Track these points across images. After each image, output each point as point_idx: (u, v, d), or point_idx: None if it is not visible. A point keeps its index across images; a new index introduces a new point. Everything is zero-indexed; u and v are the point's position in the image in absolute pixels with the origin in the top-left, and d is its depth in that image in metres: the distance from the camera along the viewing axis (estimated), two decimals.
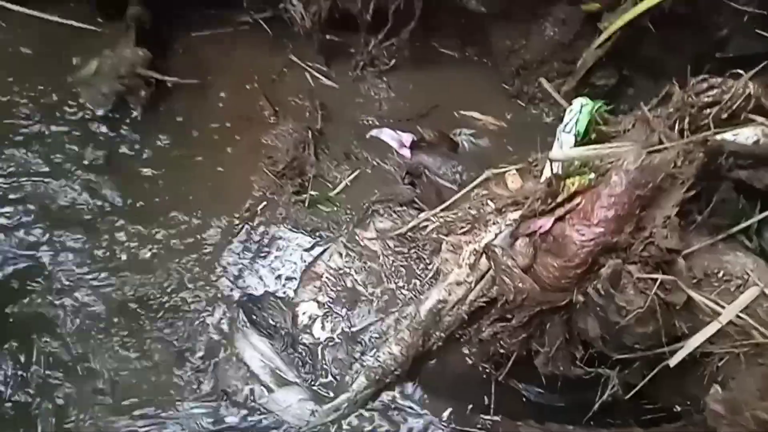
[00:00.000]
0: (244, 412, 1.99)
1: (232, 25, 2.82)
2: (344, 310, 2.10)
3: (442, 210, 2.12)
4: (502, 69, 2.65)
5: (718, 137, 1.57)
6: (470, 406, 1.99)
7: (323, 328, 2.08)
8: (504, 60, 2.62)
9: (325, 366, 2.03)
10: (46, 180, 2.35)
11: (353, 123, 2.60)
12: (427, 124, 2.57)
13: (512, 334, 1.79)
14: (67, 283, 2.18)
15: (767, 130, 1.57)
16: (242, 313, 2.11)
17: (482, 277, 1.88)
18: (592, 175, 1.72)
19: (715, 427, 1.54)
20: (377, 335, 2.04)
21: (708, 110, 1.64)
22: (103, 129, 2.48)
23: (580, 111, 1.87)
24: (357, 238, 2.22)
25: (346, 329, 2.07)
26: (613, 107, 2.32)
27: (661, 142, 1.66)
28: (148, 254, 2.26)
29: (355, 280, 2.14)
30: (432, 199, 2.29)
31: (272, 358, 2.04)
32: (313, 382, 2.01)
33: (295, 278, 2.22)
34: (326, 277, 2.16)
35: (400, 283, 2.10)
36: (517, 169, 2.07)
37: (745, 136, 1.58)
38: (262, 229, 2.32)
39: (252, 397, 2.01)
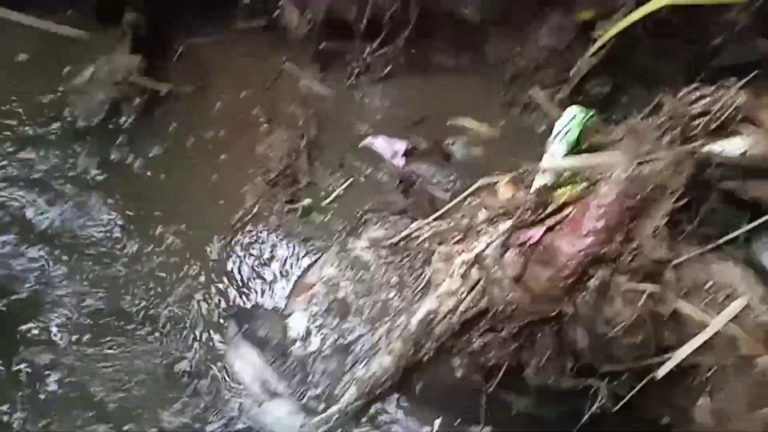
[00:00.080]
0: (234, 424, 1.99)
1: (228, 32, 2.81)
2: (335, 320, 2.09)
3: (434, 219, 2.12)
4: (496, 77, 2.64)
5: (706, 148, 1.58)
6: (460, 418, 1.99)
7: (314, 339, 2.07)
8: (498, 68, 2.62)
9: (315, 378, 2.02)
10: (37, 188, 2.35)
11: (347, 131, 2.59)
12: (421, 132, 2.56)
13: (502, 344, 1.79)
14: (55, 295, 2.18)
15: (756, 141, 1.57)
16: (233, 324, 2.11)
17: (473, 287, 1.87)
18: (583, 185, 1.73)
19: None
20: (368, 346, 2.03)
21: (698, 120, 1.65)
22: (96, 136, 2.48)
23: (571, 120, 1.87)
24: (349, 247, 2.22)
25: (337, 340, 2.06)
26: (605, 116, 2.34)
27: (651, 152, 1.66)
28: (138, 264, 2.26)
29: (347, 290, 2.13)
30: (425, 208, 2.28)
31: (262, 369, 2.03)
32: (303, 395, 2.00)
33: (287, 288, 2.22)
34: (318, 288, 2.15)
35: (392, 293, 2.08)
36: (509, 179, 2.07)
37: (733, 147, 1.58)
38: (254, 238, 2.32)
39: (242, 410, 2.00)
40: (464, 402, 1.94)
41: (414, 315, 1.93)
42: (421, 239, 2.11)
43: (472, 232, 1.98)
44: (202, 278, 2.24)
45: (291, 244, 2.30)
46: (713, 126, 1.62)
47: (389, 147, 2.50)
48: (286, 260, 2.28)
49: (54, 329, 2.13)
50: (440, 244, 2.03)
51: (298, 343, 2.08)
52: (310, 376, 2.03)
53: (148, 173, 2.45)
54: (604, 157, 1.74)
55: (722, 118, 1.61)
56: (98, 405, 2.03)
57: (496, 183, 2.08)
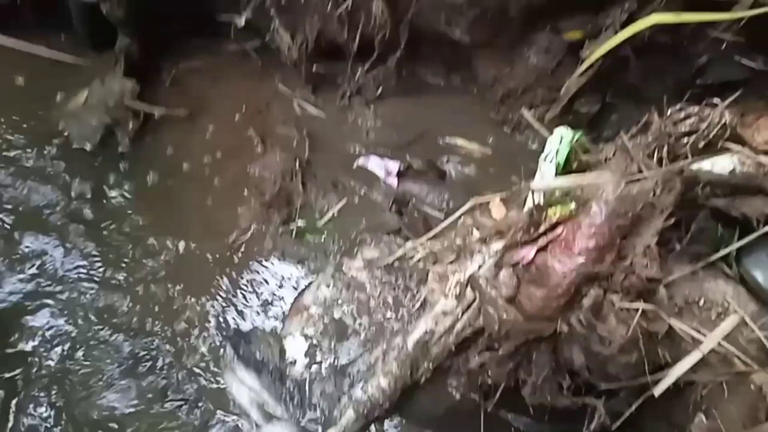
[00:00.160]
0: None
1: (221, 55, 2.84)
2: (332, 342, 2.09)
3: (428, 239, 2.13)
4: (487, 97, 2.67)
5: (694, 167, 1.60)
6: None
7: (311, 361, 2.07)
8: (489, 88, 2.64)
9: (313, 400, 2.02)
10: (31, 213, 2.36)
11: (340, 152, 2.61)
12: (414, 152, 2.58)
13: (499, 364, 1.80)
14: (46, 320, 2.19)
15: (743, 159, 1.59)
16: (229, 347, 2.10)
17: (468, 307, 1.88)
18: (574, 205, 1.74)
19: None
20: (365, 367, 2.03)
21: (686, 139, 1.67)
22: (91, 161, 2.49)
23: (560, 141, 1.90)
24: (344, 268, 2.22)
25: (334, 362, 2.06)
26: (595, 134, 2.36)
27: (640, 171, 1.68)
28: (135, 287, 2.26)
29: (343, 311, 2.13)
30: (419, 228, 2.30)
31: (260, 392, 2.02)
32: (301, 417, 2.00)
33: (283, 310, 2.22)
34: (314, 309, 2.16)
35: (388, 314, 2.09)
36: (501, 198, 2.09)
37: (721, 165, 1.60)
38: (249, 260, 2.32)
39: None
40: (463, 422, 1.95)
41: (410, 335, 1.93)
42: (415, 259, 2.12)
43: (465, 251, 1.99)
44: (198, 302, 2.24)
45: (286, 266, 2.31)
46: (701, 144, 1.64)
47: (382, 167, 2.52)
48: (281, 282, 2.29)
49: (44, 354, 2.14)
50: (435, 263, 2.05)
51: (295, 366, 2.07)
52: (308, 398, 2.02)
53: (144, 197, 2.45)
54: (593, 176, 1.76)
55: (710, 136, 1.63)
56: (93, 426, 2.02)
57: (488, 203, 2.10)
